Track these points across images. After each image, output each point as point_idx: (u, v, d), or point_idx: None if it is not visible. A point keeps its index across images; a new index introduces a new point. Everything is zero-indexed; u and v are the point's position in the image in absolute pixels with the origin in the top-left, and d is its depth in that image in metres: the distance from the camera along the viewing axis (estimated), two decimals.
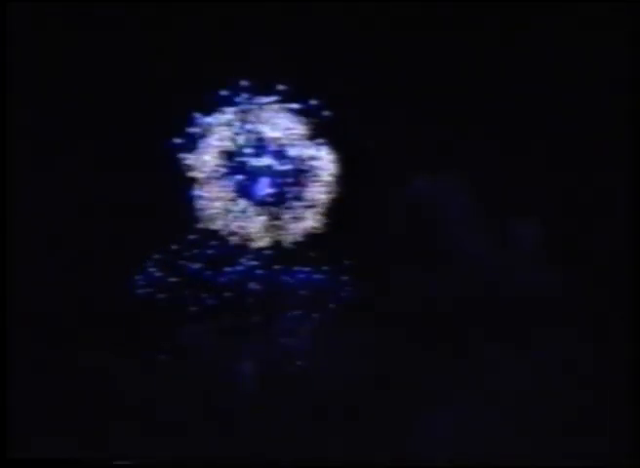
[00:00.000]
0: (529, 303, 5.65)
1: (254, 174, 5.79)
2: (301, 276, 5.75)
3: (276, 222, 5.78)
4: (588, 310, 5.60)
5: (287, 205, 5.80)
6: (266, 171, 5.79)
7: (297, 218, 5.80)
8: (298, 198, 5.81)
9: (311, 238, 5.77)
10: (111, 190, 5.71)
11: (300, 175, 5.80)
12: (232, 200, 5.78)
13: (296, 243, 5.78)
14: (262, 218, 5.78)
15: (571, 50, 5.72)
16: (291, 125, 5.80)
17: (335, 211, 5.78)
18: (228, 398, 5.60)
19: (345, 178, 5.79)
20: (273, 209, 5.79)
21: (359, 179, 5.79)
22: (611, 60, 5.67)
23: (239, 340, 5.66)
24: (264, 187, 5.79)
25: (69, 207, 5.72)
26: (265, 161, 5.79)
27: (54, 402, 5.53)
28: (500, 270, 5.70)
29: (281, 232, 5.78)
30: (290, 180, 5.81)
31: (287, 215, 5.80)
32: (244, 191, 5.79)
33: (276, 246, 5.77)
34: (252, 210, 5.78)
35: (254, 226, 5.78)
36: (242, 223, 5.78)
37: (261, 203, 5.80)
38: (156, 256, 5.74)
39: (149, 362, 5.59)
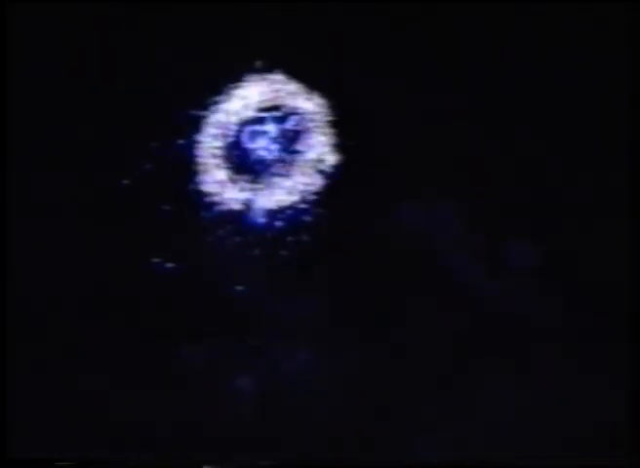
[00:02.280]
0: (526, 330, 5.65)
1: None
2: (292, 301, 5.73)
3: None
4: (588, 335, 5.60)
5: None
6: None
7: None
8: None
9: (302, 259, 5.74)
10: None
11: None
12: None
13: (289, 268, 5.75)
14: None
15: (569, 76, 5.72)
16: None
17: (324, 234, 5.77)
18: (228, 414, 5.60)
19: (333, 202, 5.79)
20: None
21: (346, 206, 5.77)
22: (610, 84, 5.67)
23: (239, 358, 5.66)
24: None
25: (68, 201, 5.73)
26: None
27: (54, 402, 5.53)
28: (497, 297, 5.69)
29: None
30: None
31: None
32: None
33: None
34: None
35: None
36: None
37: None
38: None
39: (150, 368, 5.60)
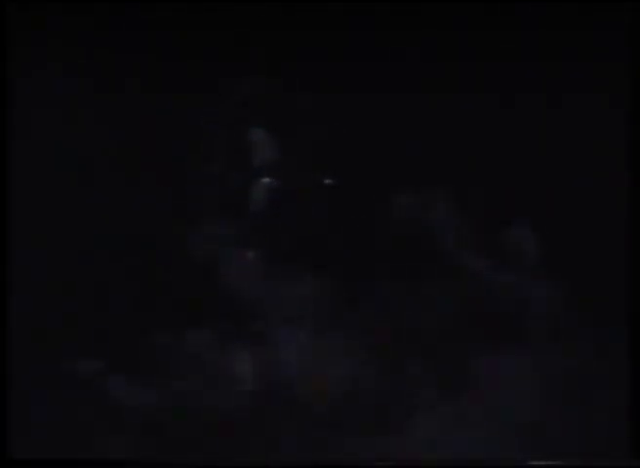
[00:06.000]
0: (525, 317, 5.65)
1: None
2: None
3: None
4: (587, 322, 5.60)
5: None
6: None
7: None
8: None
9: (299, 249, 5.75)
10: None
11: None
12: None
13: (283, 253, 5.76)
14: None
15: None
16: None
17: (322, 225, 5.77)
18: (227, 403, 5.59)
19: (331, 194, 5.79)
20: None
21: (345, 196, 5.78)
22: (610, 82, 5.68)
23: (238, 347, 5.65)
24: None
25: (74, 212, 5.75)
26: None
27: (54, 401, 5.53)
28: (497, 284, 5.69)
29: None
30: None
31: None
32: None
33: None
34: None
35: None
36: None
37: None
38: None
39: (150, 364, 5.60)
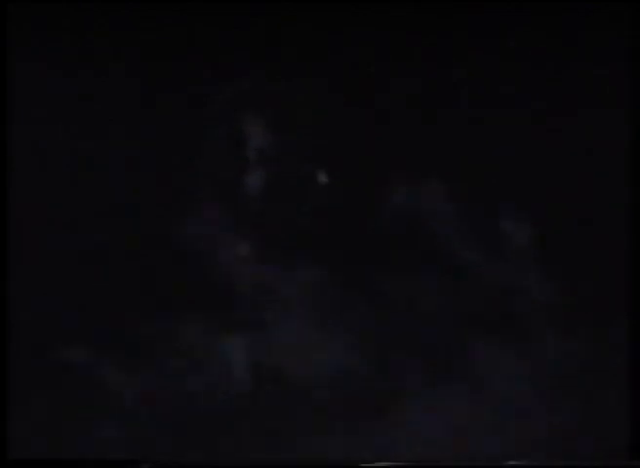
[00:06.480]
0: (524, 310, 5.67)
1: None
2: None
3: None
4: (587, 321, 5.61)
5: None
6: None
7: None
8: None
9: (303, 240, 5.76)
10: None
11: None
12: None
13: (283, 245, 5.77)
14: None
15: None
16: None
17: (322, 218, 5.78)
18: (225, 396, 5.60)
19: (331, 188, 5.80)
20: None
21: (344, 189, 5.78)
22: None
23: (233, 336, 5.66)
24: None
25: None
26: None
27: (54, 402, 5.54)
28: (495, 277, 5.70)
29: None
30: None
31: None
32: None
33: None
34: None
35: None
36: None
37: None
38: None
39: (148, 362, 5.60)
